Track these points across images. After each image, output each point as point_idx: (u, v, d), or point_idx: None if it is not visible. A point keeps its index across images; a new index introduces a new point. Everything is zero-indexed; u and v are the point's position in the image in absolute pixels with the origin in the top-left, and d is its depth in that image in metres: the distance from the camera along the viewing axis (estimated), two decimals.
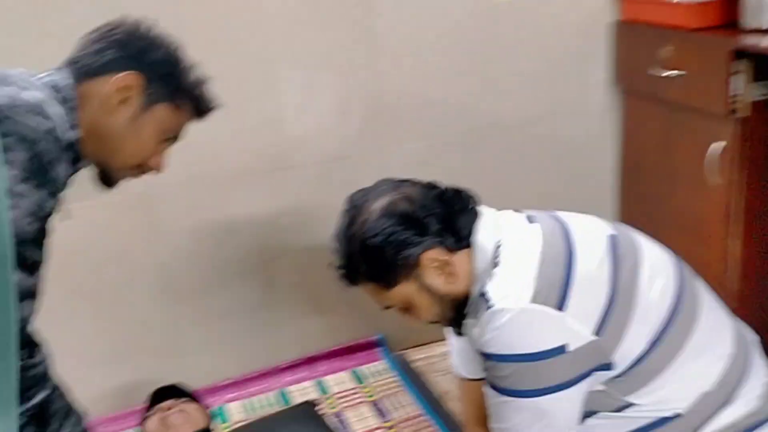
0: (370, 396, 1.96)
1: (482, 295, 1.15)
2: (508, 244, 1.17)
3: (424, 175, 1.29)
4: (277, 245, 2.02)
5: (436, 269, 1.16)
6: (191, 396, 1.79)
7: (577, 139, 2.14)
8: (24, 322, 1.03)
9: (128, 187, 1.80)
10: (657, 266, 1.21)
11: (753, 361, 1.25)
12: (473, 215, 1.20)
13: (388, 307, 1.24)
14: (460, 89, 1.99)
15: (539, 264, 1.13)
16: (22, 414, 1.04)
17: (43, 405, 1.08)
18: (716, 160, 1.70)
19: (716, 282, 1.78)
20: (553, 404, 1.12)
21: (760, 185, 1.74)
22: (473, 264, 1.17)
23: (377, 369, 2.08)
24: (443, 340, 1.99)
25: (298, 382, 2.04)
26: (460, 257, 1.17)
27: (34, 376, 1.07)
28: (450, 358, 1.43)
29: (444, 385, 1.99)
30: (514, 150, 2.09)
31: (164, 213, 1.87)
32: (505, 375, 1.13)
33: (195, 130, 1.25)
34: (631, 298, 1.15)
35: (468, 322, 1.22)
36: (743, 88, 1.63)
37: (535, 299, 1.11)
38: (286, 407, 1.91)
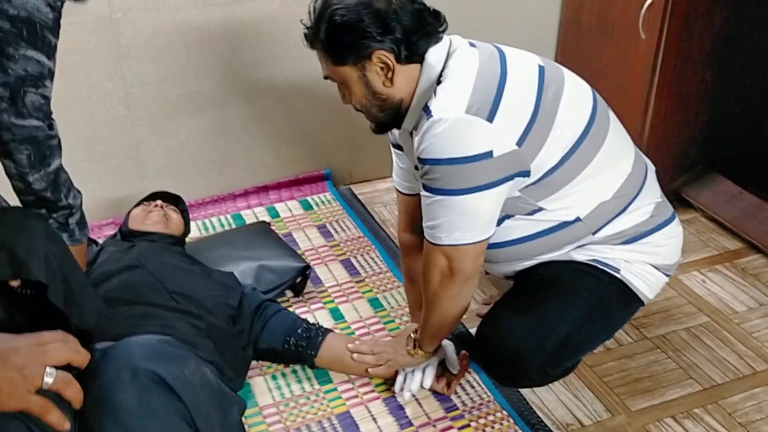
0: (317, 221, 2.16)
1: (425, 109, 1.31)
2: (451, 65, 1.31)
3: None
4: (235, 82, 2.12)
5: (380, 69, 1.30)
6: (180, 205, 1.90)
7: None
8: (47, 99, 1.23)
9: (93, 8, 1.85)
10: (576, 94, 1.39)
11: (648, 184, 1.48)
12: (436, 40, 1.33)
13: (327, 77, 1.37)
14: None
15: (474, 81, 1.29)
16: (38, 174, 1.26)
17: (57, 172, 1.30)
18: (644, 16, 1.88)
19: (635, 133, 2.00)
20: (477, 203, 1.32)
21: (681, 39, 1.93)
22: (420, 78, 1.32)
23: (324, 199, 2.27)
24: (387, 177, 2.18)
25: (250, 207, 2.22)
26: (406, 69, 1.31)
27: (51, 145, 1.28)
28: (393, 175, 1.61)
29: (384, 215, 2.20)
30: None
31: (128, 37, 1.94)
32: (438, 177, 1.31)
33: None
34: (551, 118, 1.33)
35: (412, 136, 1.38)
36: None
37: (468, 110, 1.27)
38: (242, 225, 2.09)
